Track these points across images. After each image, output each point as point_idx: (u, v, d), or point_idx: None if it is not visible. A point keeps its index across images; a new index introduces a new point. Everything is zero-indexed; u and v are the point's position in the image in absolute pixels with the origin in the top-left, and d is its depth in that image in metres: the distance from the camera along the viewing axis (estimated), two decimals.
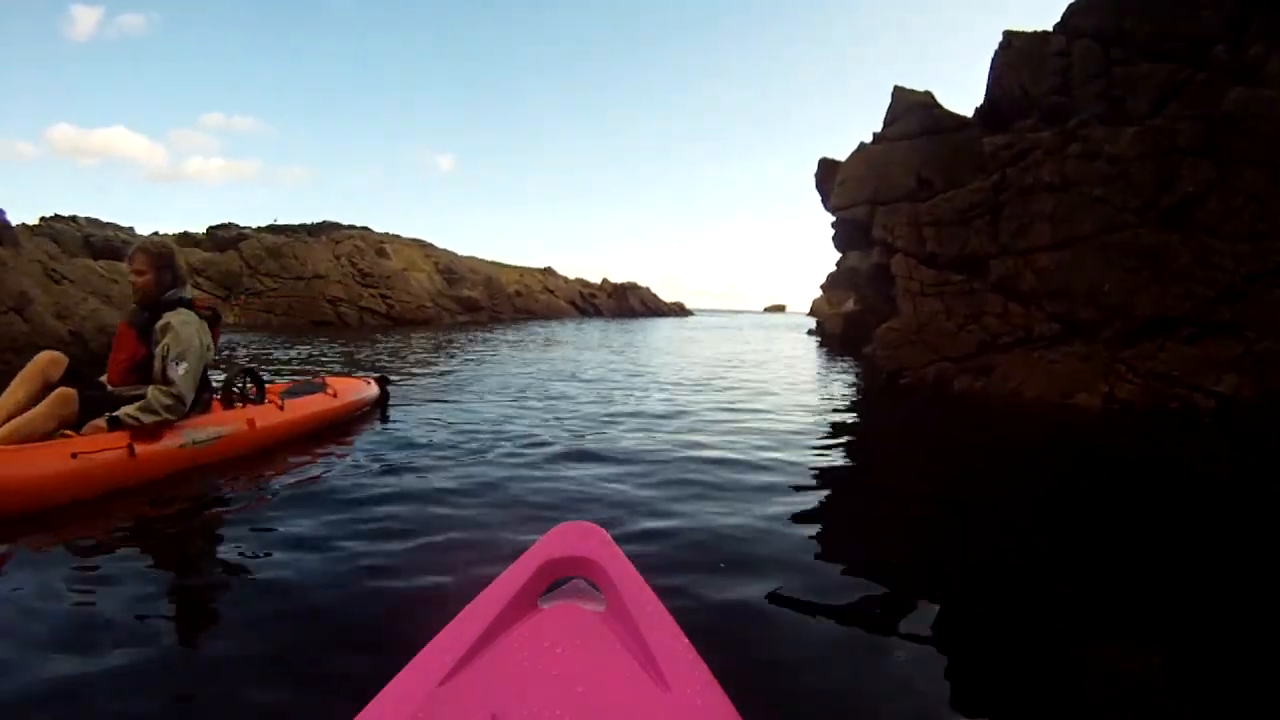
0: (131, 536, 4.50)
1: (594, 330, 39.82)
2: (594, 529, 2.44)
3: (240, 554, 4.31)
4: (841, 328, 28.85)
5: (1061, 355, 13.77)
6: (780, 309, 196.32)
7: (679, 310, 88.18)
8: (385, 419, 8.99)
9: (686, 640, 1.92)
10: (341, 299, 44.87)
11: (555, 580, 2.29)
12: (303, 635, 3.36)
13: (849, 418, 11.52)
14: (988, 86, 18.30)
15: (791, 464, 7.16)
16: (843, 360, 22.12)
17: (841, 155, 22.63)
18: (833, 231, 25.14)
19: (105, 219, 50.48)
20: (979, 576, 4.39)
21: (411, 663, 1.81)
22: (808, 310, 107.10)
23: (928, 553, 4.84)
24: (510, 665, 1.82)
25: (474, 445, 7.43)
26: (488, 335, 31.86)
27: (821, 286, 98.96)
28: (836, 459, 7.91)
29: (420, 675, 1.75)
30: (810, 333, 42.25)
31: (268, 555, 4.26)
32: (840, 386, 16.28)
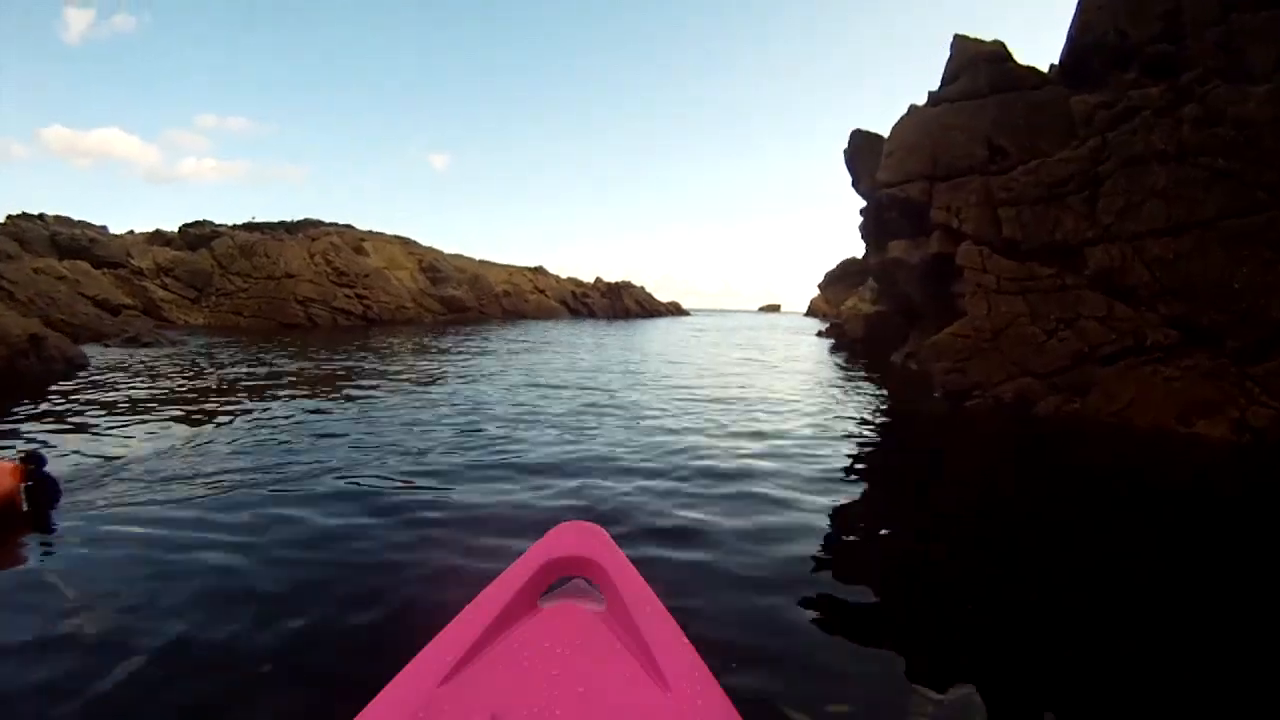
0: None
1: (586, 334, 35.83)
2: (594, 529, 2.54)
3: (240, 554, 4.66)
4: (863, 331, 25.48)
5: (1180, 371, 10.71)
6: (775, 308, 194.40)
7: (675, 310, 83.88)
8: (44, 523, 5.52)
9: (686, 640, 1.98)
10: (313, 299, 41.70)
11: (555, 580, 2.36)
12: (303, 636, 3.59)
13: (896, 449, 9.88)
14: (1072, 32, 14.48)
15: (839, 510, 6.26)
16: (866, 368, 19.47)
17: (854, 134, 19.11)
18: (861, 220, 21.61)
19: (78, 218, 47.26)
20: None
21: (411, 663, 1.87)
22: (805, 310, 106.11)
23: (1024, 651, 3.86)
24: (510, 665, 1.89)
25: None
26: (467, 339, 28.64)
27: (819, 285, 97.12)
28: (888, 507, 6.86)
29: (420, 675, 1.82)
30: (820, 334, 38.09)
31: (267, 556, 4.66)
32: (879, 404, 13.14)
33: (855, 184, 21.53)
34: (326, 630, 3.64)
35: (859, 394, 14.36)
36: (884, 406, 12.77)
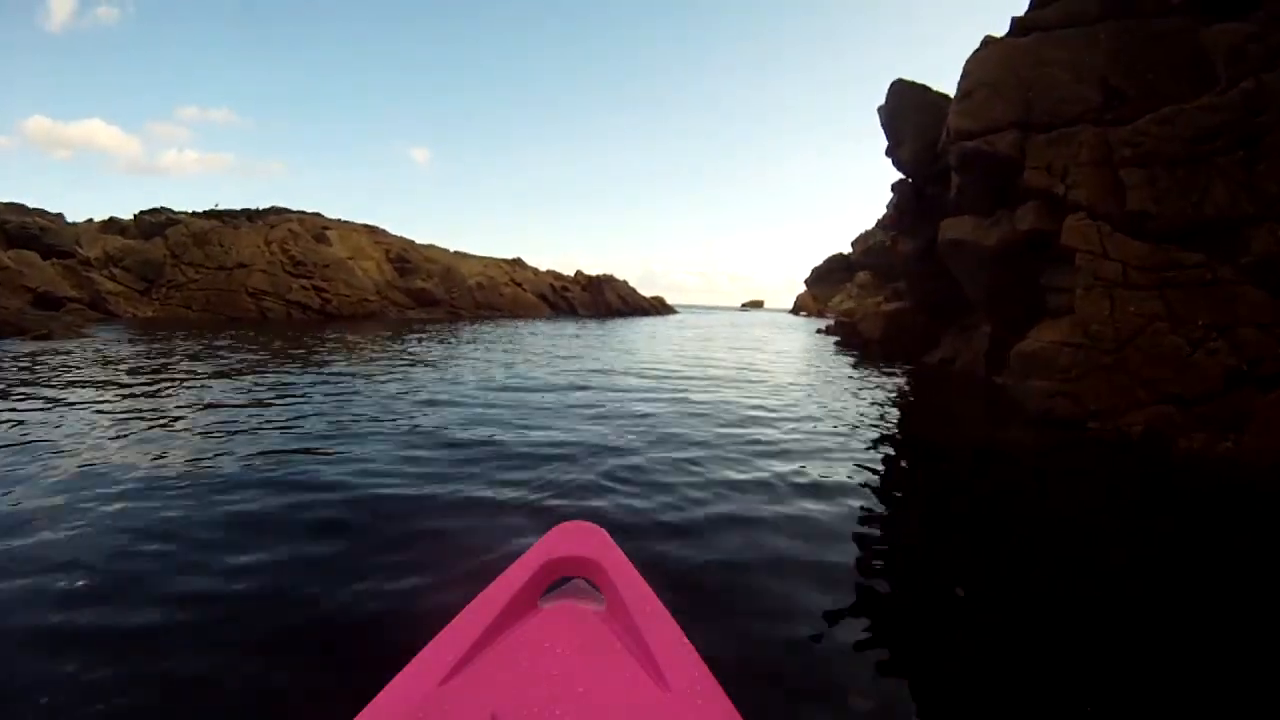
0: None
1: (570, 335, 31.00)
2: (594, 529, 2.47)
3: (240, 555, 4.32)
4: (882, 330, 21.89)
5: None
6: (758, 304, 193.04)
7: (661, 306, 77.62)
8: None
9: (686, 640, 1.92)
10: (265, 291, 38.06)
11: (555, 580, 2.30)
12: (304, 636, 3.41)
13: (985, 503, 6.41)
14: None
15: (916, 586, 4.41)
16: (889, 373, 16.09)
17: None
18: (893, 197, 17.97)
19: (54, 210, 43.72)
20: None
21: (411, 663, 1.82)
22: (790, 306, 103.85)
23: None
24: (510, 665, 1.84)
25: None
26: (399, 344, 24.91)
27: (806, 282, 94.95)
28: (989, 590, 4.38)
29: (420, 675, 1.76)
30: (821, 332, 34.94)
31: (267, 558, 4.28)
32: (947, 431, 9.42)
33: (894, 150, 17.57)
34: (326, 630, 3.44)
35: (915, 414, 10.91)
36: (953, 435, 9.17)
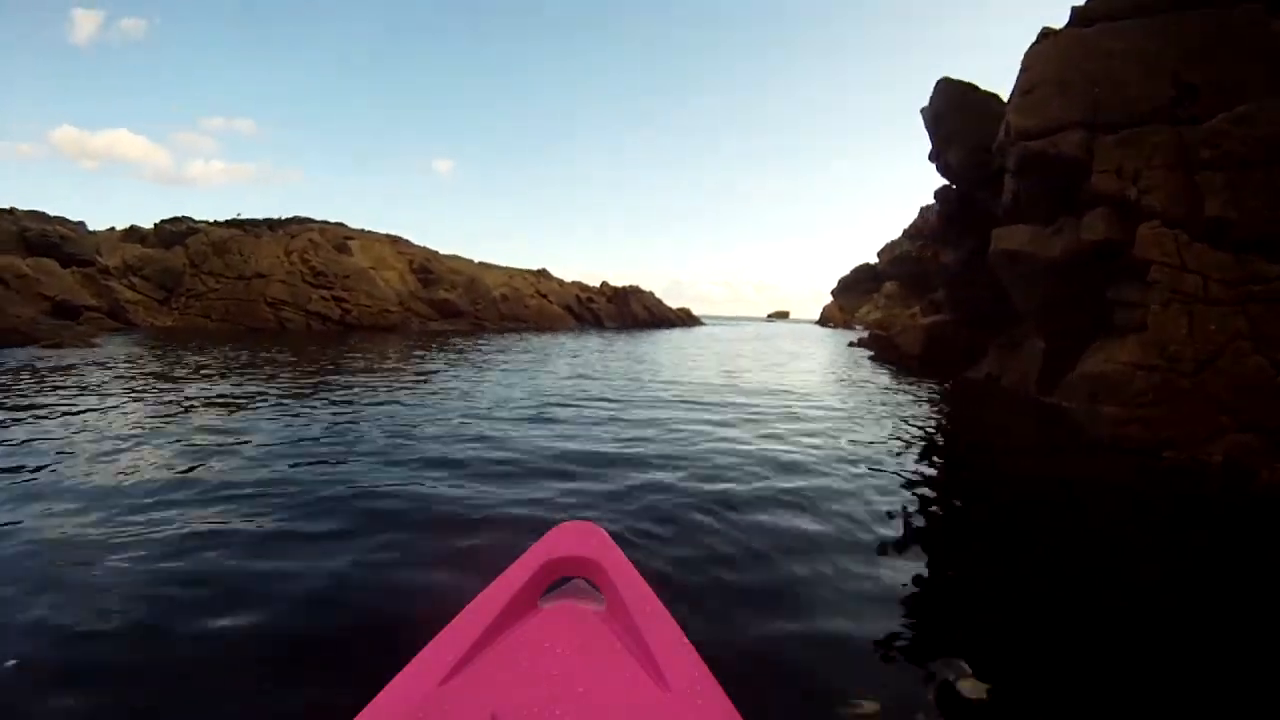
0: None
1: (593, 350, 30.24)
2: (594, 529, 2.47)
3: (241, 555, 4.35)
4: (921, 344, 21.04)
5: None
6: (784, 315, 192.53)
7: (687, 318, 76.50)
8: None
9: (686, 640, 1.92)
10: (285, 301, 37.72)
11: (555, 580, 2.31)
12: (304, 636, 3.40)
13: (1055, 537, 5.79)
14: None
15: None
16: (930, 389, 15.37)
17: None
18: (934, 204, 17.12)
19: (74, 218, 43.79)
20: None
21: (411, 663, 1.81)
22: (816, 317, 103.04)
23: None
24: (510, 665, 1.85)
25: None
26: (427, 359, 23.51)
27: (833, 292, 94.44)
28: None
29: (420, 675, 1.76)
30: (853, 345, 33.52)
31: (266, 557, 4.32)
32: (1004, 457, 8.56)
33: (940, 153, 16.63)
34: (325, 630, 3.45)
35: (966, 437, 10.13)
36: (1012, 463, 8.29)
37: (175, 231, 43.12)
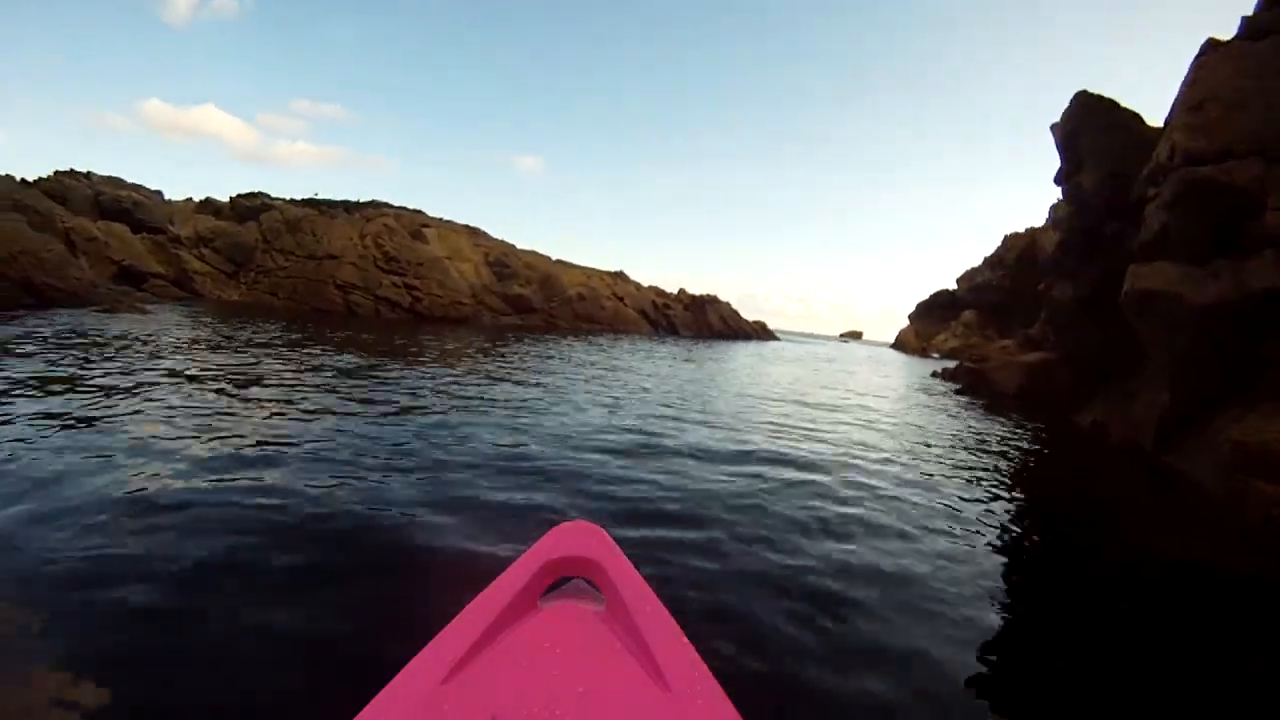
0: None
1: (674, 359, 29.55)
2: (594, 529, 2.43)
3: (241, 555, 4.30)
4: (1020, 382, 19.72)
5: None
6: (857, 335, 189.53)
7: (762, 331, 75.63)
8: None
9: (686, 640, 1.91)
10: (355, 285, 37.77)
11: (555, 580, 2.29)
12: (304, 636, 3.43)
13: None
14: None
15: None
16: (1029, 433, 13.92)
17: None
18: (1055, 230, 15.77)
19: (129, 180, 44.82)
20: None
21: (411, 663, 1.78)
22: (890, 341, 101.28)
23: None
24: (510, 665, 1.83)
25: None
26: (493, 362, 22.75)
27: (909, 317, 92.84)
28: None
29: (420, 675, 1.74)
30: (936, 376, 31.62)
31: (266, 557, 4.28)
32: (1114, 522, 7.29)
33: (1071, 175, 15.32)
34: (324, 630, 3.50)
35: (1077, 501, 8.82)
36: (1135, 540, 7.07)
37: (250, 207, 43.94)
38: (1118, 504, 8.85)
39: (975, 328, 71.96)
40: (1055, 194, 17.72)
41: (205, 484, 5.48)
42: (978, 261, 78.77)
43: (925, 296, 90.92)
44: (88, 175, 42.70)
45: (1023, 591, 5.13)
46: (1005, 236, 77.24)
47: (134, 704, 2.89)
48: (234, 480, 5.66)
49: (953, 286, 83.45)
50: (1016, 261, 70.73)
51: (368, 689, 1.62)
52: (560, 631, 1.99)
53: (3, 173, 35.56)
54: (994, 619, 4.53)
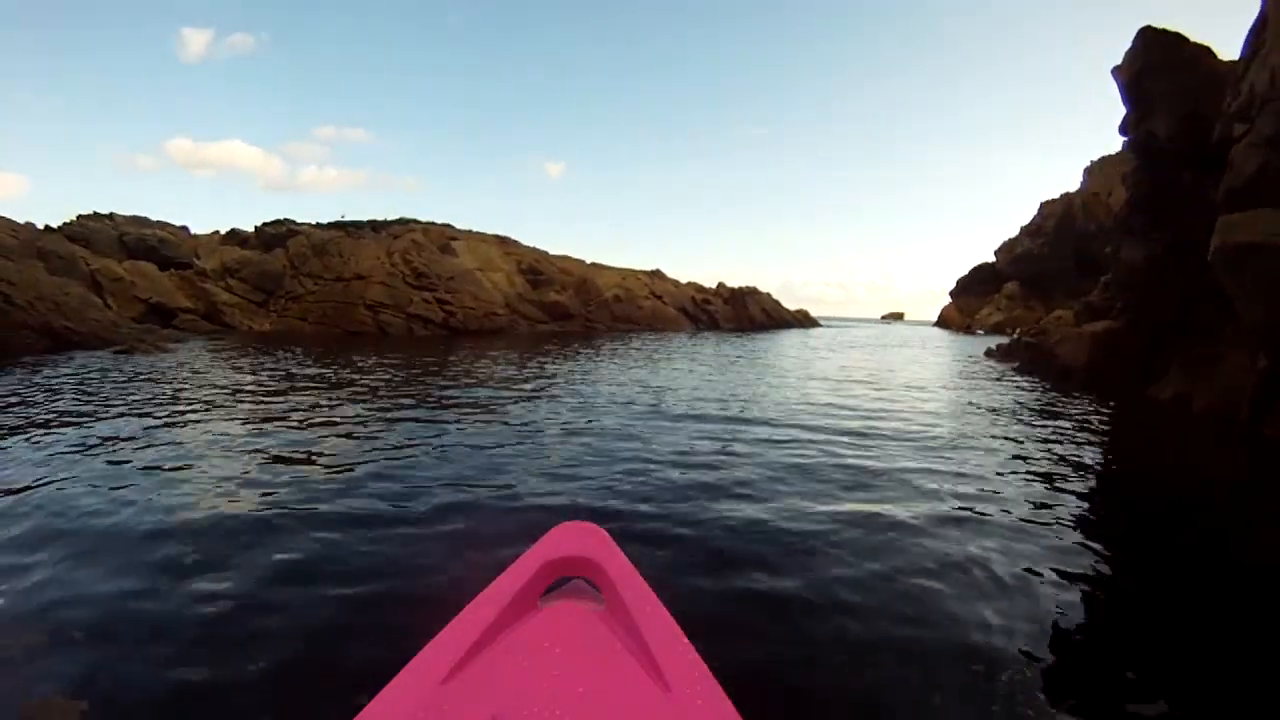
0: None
1: (715, 353, 28.61)
2: (594, 529, 2.49)
3: (241, 555, 4.48)
4: (1087, 355, 18.45)
5: None
6: (899, 317, 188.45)
7: (804, 319, 74.72)
8: None
9: (686, 640, 1.93)
10: (384, 304, 37.34)
11: (555, 580, 2.33)
12: (304, 636, 3.48)
13: None
14: None
15: None
16: (1102, 413, 12.73)
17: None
18: (1128, 183, 14.70)
19: (155, 218, 44.79)
20: None
21: (411, 663, 1.82)
22: (933, 319, 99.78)
23: None
24: (510, 665, 1.85)
25: None
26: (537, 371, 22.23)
27: (951, 294, 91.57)
28: None
29: (420, 675, 1.77)
30: (991, 354, 29.88)
31: (266, 558, 4.44)
32: (1223, 514, 6.56)
33: (1140, 121, 14.35)
34: (324, 630, 3.54)
35: (1174, 488, 7.80)
36: (1245, 533, 6.17)
37: (276, 234, 43.93)
38: (1218, 488, 7.80)
39: (1019, 299, 70.98)
40: (1090, 156, 16.67)
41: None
42: (1015, 232, 78.10)
43: (964, 273, 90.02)
44: (110, 216, 42.79)
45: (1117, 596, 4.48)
46: (1041, 204, 76.50)
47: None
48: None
49: (992, 259, 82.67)
50: (1055, 229, 69.49)
51: (368, 689, 1.62)
52: (560, 631, 2.01)
53: (26, 220, 35.57)
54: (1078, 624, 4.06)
